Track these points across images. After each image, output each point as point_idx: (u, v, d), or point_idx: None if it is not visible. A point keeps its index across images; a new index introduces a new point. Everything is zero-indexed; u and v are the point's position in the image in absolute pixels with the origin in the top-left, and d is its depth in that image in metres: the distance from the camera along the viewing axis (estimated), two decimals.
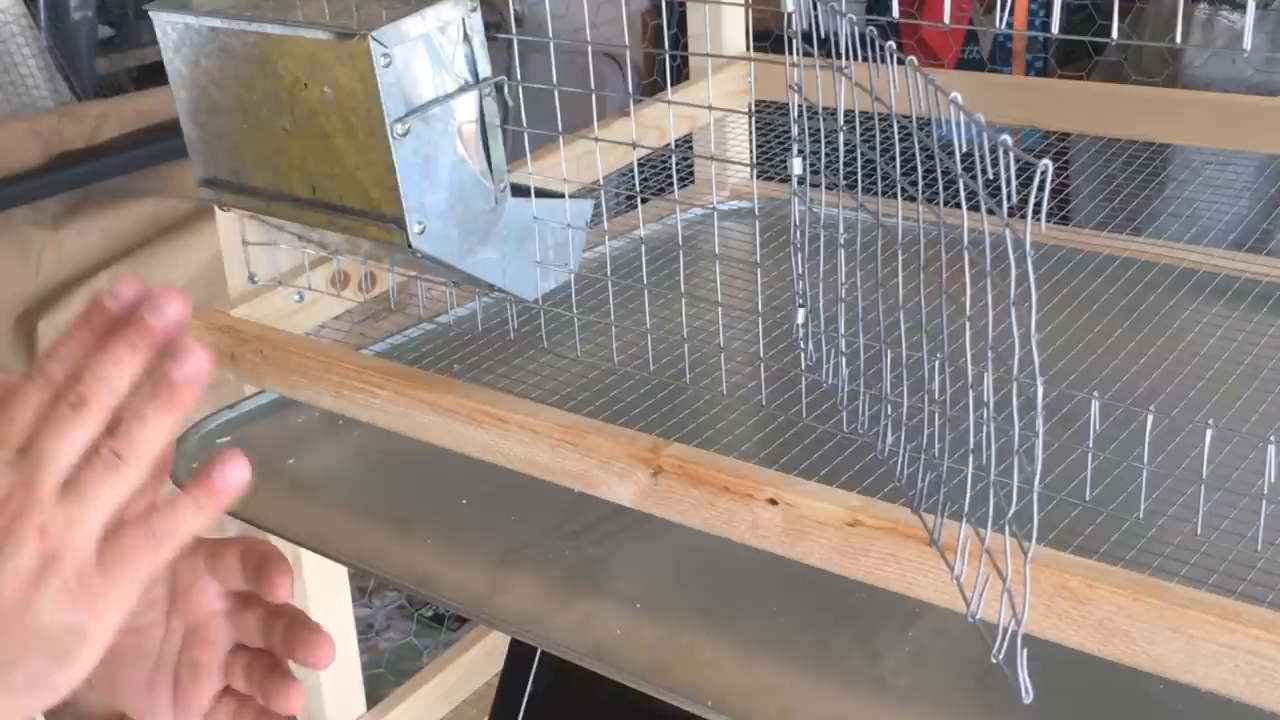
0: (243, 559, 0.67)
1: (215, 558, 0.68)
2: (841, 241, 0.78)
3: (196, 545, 0.67)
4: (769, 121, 1.26)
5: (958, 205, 0.59)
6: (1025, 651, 0.60)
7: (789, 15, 0.77)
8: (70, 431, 0.54)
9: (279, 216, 0.93)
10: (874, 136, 0.70)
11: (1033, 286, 0.53)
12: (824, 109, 0.76)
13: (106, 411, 0.55)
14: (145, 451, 0.55)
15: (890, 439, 0.76)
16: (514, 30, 0.89)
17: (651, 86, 2.72)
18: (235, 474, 0.57)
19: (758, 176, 1.29)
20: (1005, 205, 0.53)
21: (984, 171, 0.55)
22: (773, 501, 0.72)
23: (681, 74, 1.40)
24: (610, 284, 0.94)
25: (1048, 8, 2.49)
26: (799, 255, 0.84)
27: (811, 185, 0.80)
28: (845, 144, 0.74)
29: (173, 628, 0.67)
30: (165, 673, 0.67)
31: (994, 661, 0.62)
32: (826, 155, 0.77)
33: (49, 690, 0.55)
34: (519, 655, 1.05)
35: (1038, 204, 0.51)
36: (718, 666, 0.73)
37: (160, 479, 0.60)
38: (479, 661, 1.29)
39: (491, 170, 0.87)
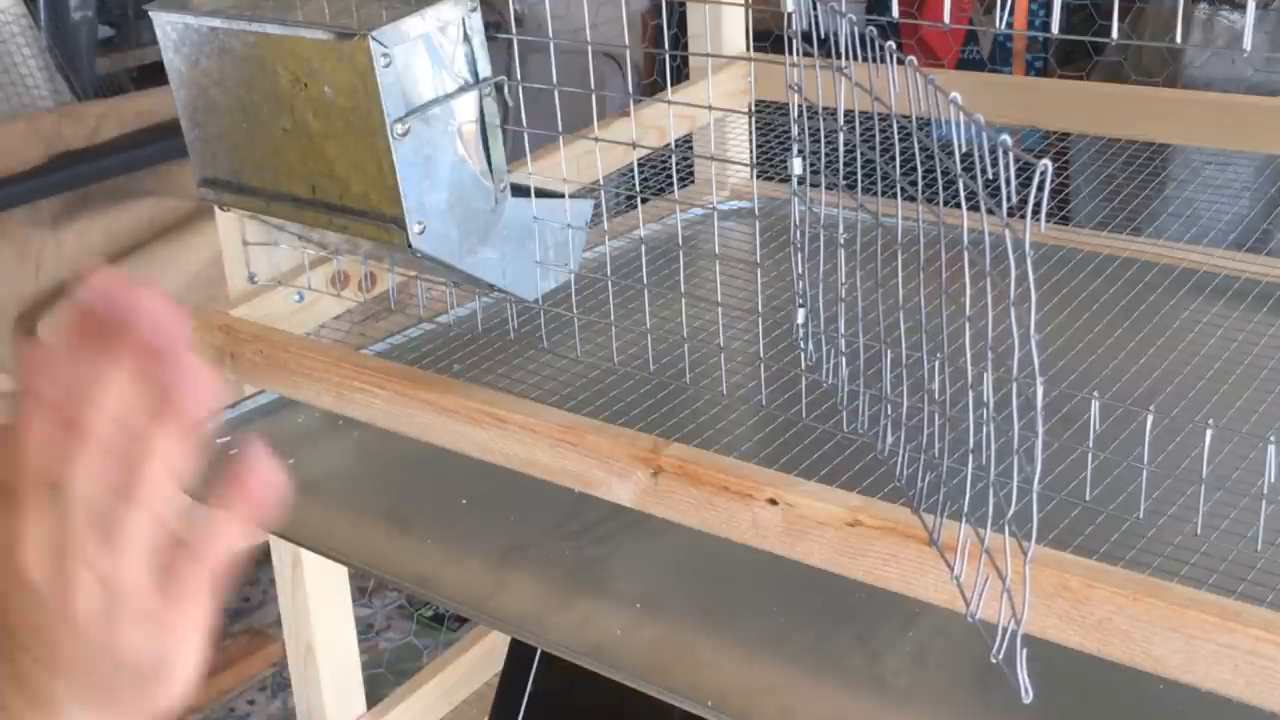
0: None
1: None
2: (841, 241, 0.78)
3: None
4: (769, 121, 1.26)
5: (958, 205, 0.58)
6: (1025, 651, 0.60)
7: (789, 15, 0.77)
8: (85, 465, 0.54)
9: (279, 216, 0.93)
10: (874, 136, 0.70)
11: (1033, 286, 0.53)
12: (824, 109, 0.76)
13: (108, 439, 0.54)
14: (162, 485, 0.55)
15: (890, 439, 0.76)
16: (514, 30, 0.89)
17: (651, 86, 2.72)
18: (269, 477, 0.58)
19: (758, 176, 1.29)
20: (1005, 205, 0.53)
21: (984, 171, 0.55)
22: (773, 501, 0.72)
23: (681, 74, 1.40)
24: (610, 284, 0.94)
25: (1048, 8, 2.49)
26: (799, 255, 0.84)
27: (811, 185, 0.80)
28: (845, 144, 0.74)
29: None
30: None
31: (994, 661, 0.62)
32: (826, 155, 0.77)
33: (154, 711, 0.56)
34: (519, 655, 1.05)
35: (1038, 204, 0.51)
36: (718, 666, 0.73)
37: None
38: (479, 661, 1.29)
39: (491, 170, 0.87)
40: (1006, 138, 0.53)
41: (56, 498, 0.53)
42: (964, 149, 0.57)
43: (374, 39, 0.79)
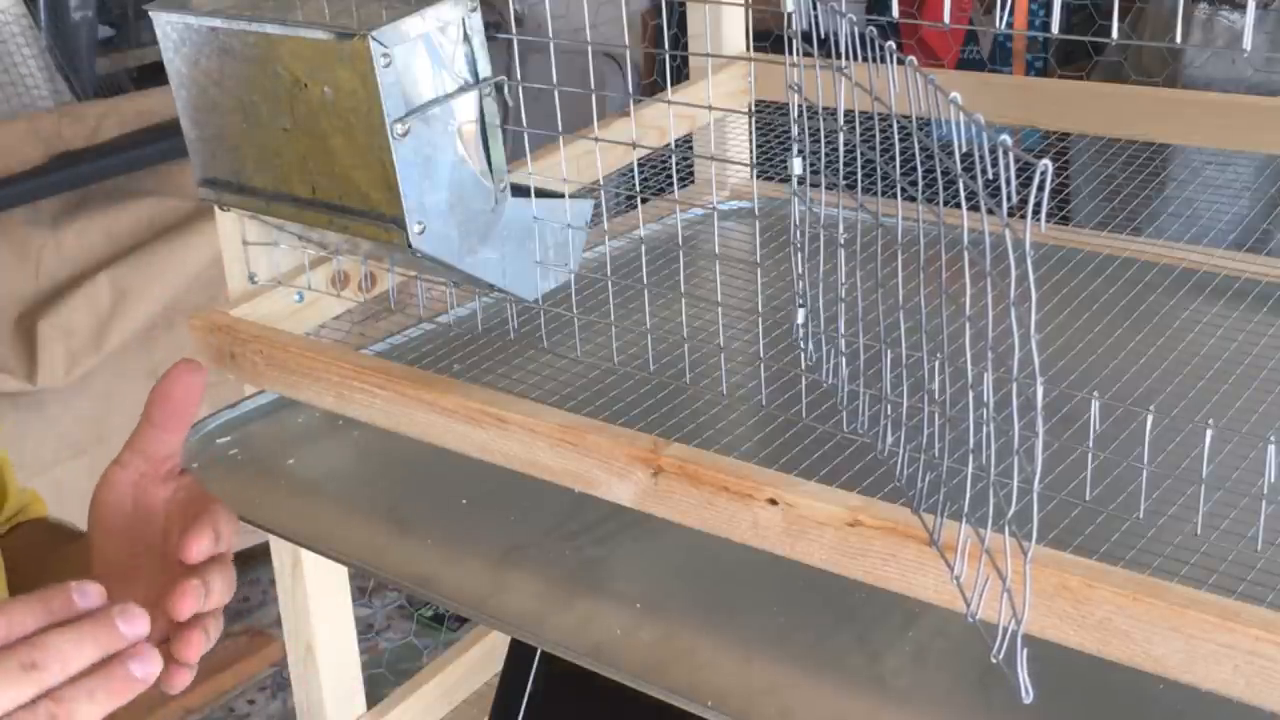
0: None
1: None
2: (841, 241, 0.78)
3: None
4: (769, 121, 1.25)
5: (958, 205, 0.58)
6: (1025, 651, 0.60)
7: (789, 15, 0.77)
8: (14, 689, 0.57)
9: (279, 216, 0.93)
10: (874, 136, 0.70)
11: (1033, 286, 0.53)
12: (824, 109, 0.76)
13: (50, 684, 0.58)
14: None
15: (890, 439, 0.76)
16: (514, 30, 0.89)
17: (651, 86, 2.72)
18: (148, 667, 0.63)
19: (758, 176, 1.29)
20: (1005, 205, 0.53)
21: (984, 171, 0.55)
22: (773, 501, 0.72)
23: (681, 74, 1.40)
24: (610, 284, 0.94)
25: (1048, 8, 2.49)
26: (799, 255, 0.84)
27: (811, 185, 0.80)
28: (845, 144, 0.74)
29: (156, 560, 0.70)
30: (149, 604, 0.69)
31: (994, 661, 0.62)
32: (826, 155, 0.77)
33: None
34: (519, 655, 1.05)
35: (1038, 204, 0.50)
36: (718, 666, 0.73)
37: None
38: (479, 661, 1.29)
39: (491, 170, 0.87)
40: (1006, 138, 0.53)
41: None
42: (964, 149, 0.57)
43: (374, 39, 0.79)
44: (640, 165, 1.18)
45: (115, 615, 0.62)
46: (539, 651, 1.03)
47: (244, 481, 0.95)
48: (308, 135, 0.86)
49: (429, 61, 0.82)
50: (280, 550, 1.07)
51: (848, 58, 0.70)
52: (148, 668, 0.62)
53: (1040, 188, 0.50)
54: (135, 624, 0.62)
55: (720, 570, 0.80)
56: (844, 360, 0.81)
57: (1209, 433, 0.68)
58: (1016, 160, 0.53)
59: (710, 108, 0.93)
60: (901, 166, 0.67)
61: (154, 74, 2.65)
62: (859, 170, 0.73)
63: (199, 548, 0.70)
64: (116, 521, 0.81)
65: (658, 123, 1.16)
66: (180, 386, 0.81)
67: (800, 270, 0.84)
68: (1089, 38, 0.69)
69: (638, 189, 1.13)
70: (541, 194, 0.90)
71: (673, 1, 1.61)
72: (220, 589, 0.72)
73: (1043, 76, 2.50)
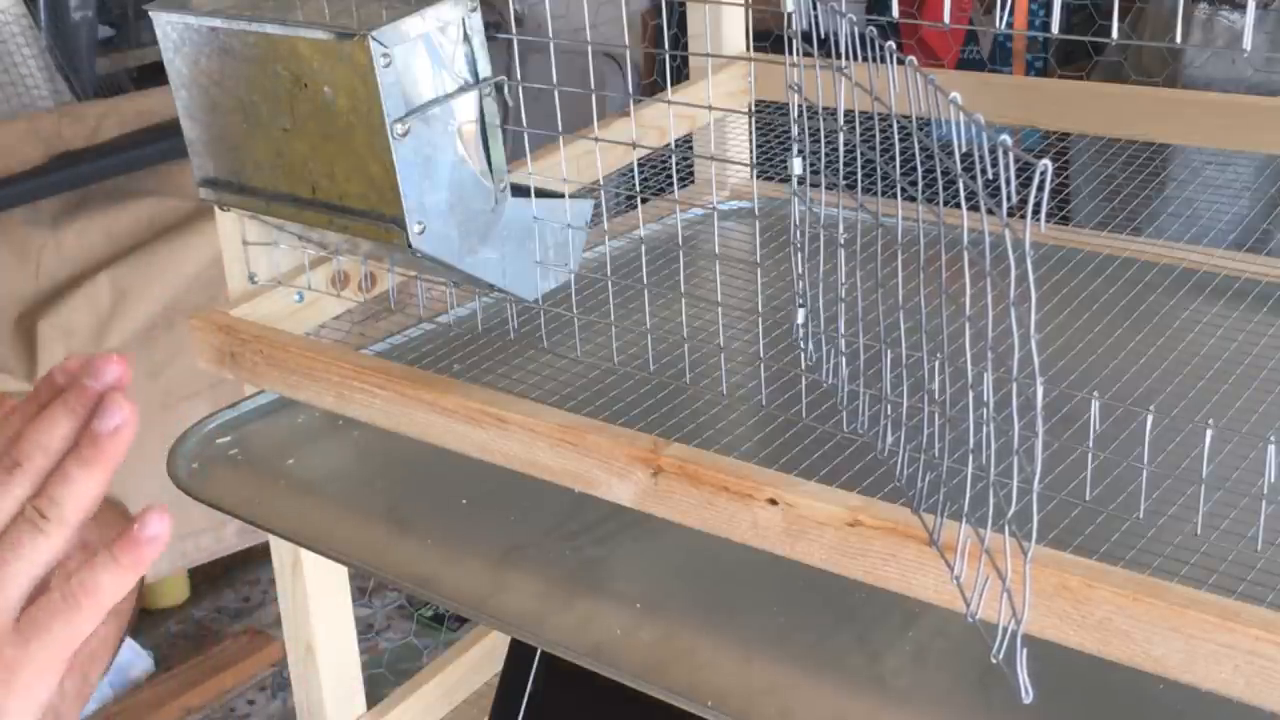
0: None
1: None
2: (841, 241, 0.78)
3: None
4: (769, 121, 1.25)
5: (958, 205, 0.58)
6: (1025, 651, 0.60)
7: (789, 15, 0.77)
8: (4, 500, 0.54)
9: (279, 216, 0.93)
10: (874, 136, 0.70)
11: (1033, 286, 0.53)
12: (824, 109, 0.76)
13: (40, 473, 0.55)
14: (70, 509, 0.54)
15: (890, 439, 0.76)
16: (514, 30, 0.89)
17: (651, 86, 2.72)
18: (156, 529, 0.55)
19: (758, 176, 1.29)
20: (1005, 205, 0.53)
21: (984, 171, 0.55)
22: (773, 501, 0.72)
23: (681, 74, 1.40)
24: (610, 284, 0.94)
25: (1048, 8, 2.49)
26: (799, 255, 0.84)
27: (811, 185, 0.80)
28: (845, 144, 0.74)
29: None
30: None
31: (994, 661, 0.62)
32: (826, 155, 0.77)
33: None
34: (519, 655, 1.05)
35: (1038, 204, 0.50)
36: (717, 666, 0.73)
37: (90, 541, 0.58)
38: (479, 661, 1.29)
39: (491, 170, 0.87)
40: (1006, 138, 0.53)
41: None
42: (964, 149, 0.57)
43: (374, 39, 0.79)
44: (640, 165, 1.18)
45: (83, 376, 0.56)
46: (539, 651, 1.03)
47: (244, 481, 0.95)
48: (308, 135, 0.86)
49: (429, 61, 0.82)
50: (280, 550, 1.07)
51: (848, 58, 0.70)
52: (110, 419, 0.55)
53: (1040, 188, 0.50)
54: (103, 373, 0.56)
55: (720, 570, 0.80)
56: (844, 360, 0.81)
57: (1209, 433, 0.68)
58: (1016, 160, 0.53)
59: (710, 108, 0.93)
60: (901, 166, 0.67)
61: (154, 74, 2.65)
62: (859, 170, 0.73)
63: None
64: None
65: (658, 123, 1.16)
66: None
67: (800, 270, 0.84)
68: (1089, 38, 0.69)
69: (638, 189, 1.13)
70: (541, 194, 0.90)
71: (673, 1, 1.61)
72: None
73: (1043, 76, 2.50)
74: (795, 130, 0.80)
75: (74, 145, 2.19)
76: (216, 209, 0.99)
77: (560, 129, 0.93)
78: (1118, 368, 0.92)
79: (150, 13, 0.90)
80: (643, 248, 0.96)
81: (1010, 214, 0.53)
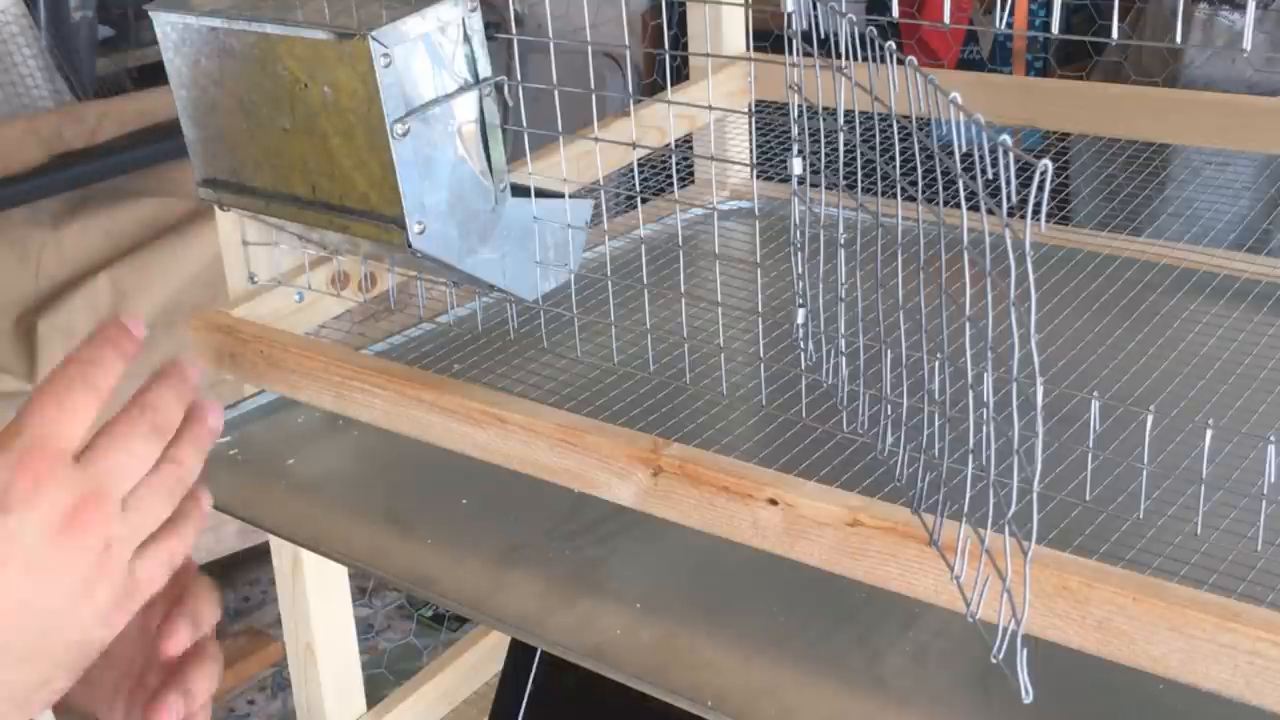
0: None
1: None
2: (841, 241, 0.78)
3: None
4: (769, 121, 1.26)
5: (958, 205, 0.59)
6: (1025, 651, 0.60)
7: (789, 15, 0.77)
8: (143, 450, 0.57)
9: (279, 216, 0.93)
10: (874, 136, 0.70)
11: (1033, 286, 0.53)
12: (824, 109, 0.76)
13: (163, 447, 0.59)
14: (194, 477, 0.59)
15: (890, 439, 0.76)
16: (514, 30, 0.89)
17: (651, 86, 2.72)
18: (216, 422, 0.62)
19: (758, 176, 1.29)
20: (1005, 205, 0.53)
21: (984, 171, 0.55)
22: (773, 501, 0.72)
23: (681, 74, 1.40)
24: (610, 284, 0.94)
25: (1048, 8, 2.49)
26: (799, 255, 0.84)
27: (811, 185, 0.80)
28: (845, 144, 0.74)
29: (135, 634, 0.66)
30: (129, 677, 0.66)
31: (994, 661, 0.62)
32: (826, 155, 0.77)
33: (39, 704, 0.55)
34: (519, 655, 1.05)
35: (1038, 204, 0.51)
36: (718, 666, 0.73)
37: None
38: (479, 661, 1.30)
39: (491, 170, 0.87)
40: (1006, 138, 0.53)
41: (87, 468, 0.55)
42: (964, 149, 0.57)
43: (374, 39, 0.79)
44: (640, 165, 1.18)
45: (208, 414, 0.62)
46: (539, 651, 1.03)
47: (244, 481, 0.95)
48: (308, 135, 0.86)
49: (429, 61, 0.82)
50: (280, 550, 1.07)
51: (848, 58, 0.70)
52: (215, 419, 0.62)
53: (1040, 188, 0.50)
54: (213, 419, 0.62)
55: (720, 570, 0.80)
56: (844, 360, 0.81)
57: (1209, 433, 0.68)
58: (1016, 160, 0.53)
59: (710, 108, 0.93)
60: (901, 166, 0.67)
61: (154, 74, 2.65)
62: (859, 170, 0.73)
63: (177, 641, 0.65)
64: None
65: (658, 123, 1.16)
66: None
67: (800, 270, 0.84)
68: (1089, 38, 0.69)
69: (638, 189, 1.13)
70: (541, 194, 0.90)
71: (673, 1, 1.61)
72: (203, 684, 0.66)
73: (1043, 76, 2.50)
74: (795, 130, 0.80)
75: (74, 145, 2.19)
76: (216, 209, 0.99)
77: (560, 129, 0.93)
78: (1118, 368, 0.92)
79: (150, 13, 0.90)
80: (643, 248, 0.96)
81: (1010, 214, 0.53)
